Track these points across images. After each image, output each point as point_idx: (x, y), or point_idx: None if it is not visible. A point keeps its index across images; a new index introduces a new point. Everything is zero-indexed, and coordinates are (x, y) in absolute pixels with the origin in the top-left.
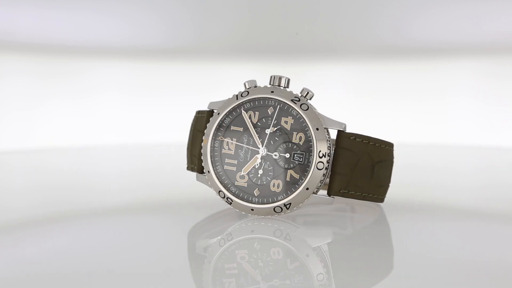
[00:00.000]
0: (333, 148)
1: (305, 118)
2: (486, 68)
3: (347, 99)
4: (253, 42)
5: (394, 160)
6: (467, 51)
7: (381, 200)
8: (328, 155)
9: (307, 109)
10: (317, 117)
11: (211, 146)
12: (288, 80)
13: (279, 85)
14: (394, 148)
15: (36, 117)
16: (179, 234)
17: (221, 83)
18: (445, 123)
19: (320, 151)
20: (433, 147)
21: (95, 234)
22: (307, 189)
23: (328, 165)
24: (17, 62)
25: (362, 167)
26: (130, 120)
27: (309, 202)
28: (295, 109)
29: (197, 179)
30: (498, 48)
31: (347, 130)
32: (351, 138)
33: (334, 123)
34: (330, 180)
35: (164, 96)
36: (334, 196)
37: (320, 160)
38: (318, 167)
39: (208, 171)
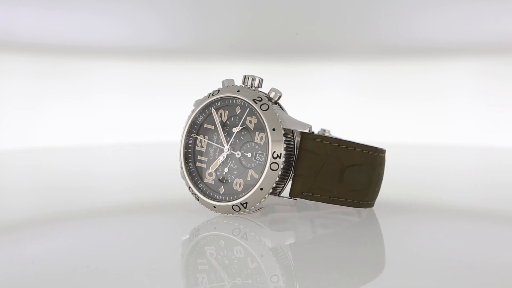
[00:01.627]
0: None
1: (263, 118)
2: (486, 68)
3: (347, 99)
4: (253, 42)
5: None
6: (467, 51)
7: (364, 205)
8: (285, 156)
9: (266, 109)
10: (276, 118)
11: (185, 143)
12: (261, 80)
13: (251, 85)
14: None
15: (36, 117)
16: (179, 234)
17: (221, 83)
18: (445, 123)
19: (274, 151)
20: (433, 147)
21: (94, 233)
22: (261, 189)
23: (284, 166)
24: (17, 62)
25: (328, 170)
26: (130, 120)
27: (268, 203)
28: (255, 109)
29: (180, 175)
30: (498, 48)
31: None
32: (317, 140)
33: (296, 124)
34: (292, 182)
35: (164, 96)
36: (296, 198)
37: (274, 161)
38: (272, 168)
39: (181, 167)
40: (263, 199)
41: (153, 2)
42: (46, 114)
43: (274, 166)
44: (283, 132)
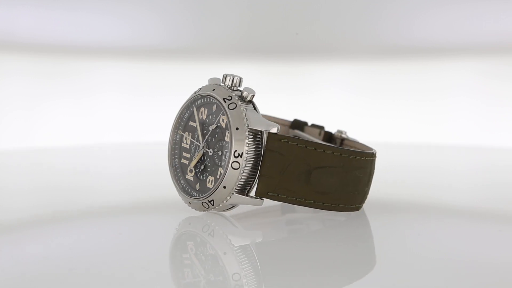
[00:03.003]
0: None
1: (229, 117)
2: (486, 68)
3: (347, 99)
4: (253, 42)
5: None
6: (467, 51)
7: (339, 209)
8: (247, 155)
9: (233, 108)
10: (241, 117)
11: (172, 139)
12: (237, 79)
13: (227, 84)
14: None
15: (36, 117)
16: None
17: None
18: (445, 123)
19: (235, 150)
20: (433, 147)
21: (94, 233)
22: (225, 187)
23: (251, 165)
24: (17, 62)
25: (293, 171)
26: (130, 120)
27: (235, 201)
28: (224, 108)
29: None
30: (498, 48)
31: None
32: (283, 140)
33: (261, 124)
34: (257, 182)
35: (164, 96)
36: (262, 198)
37: (236, 160)
38: (234, 167)
39: (168, 163)
40: (228, 197)
41: (153, 2)
42: (46, 114)
43: (235, 165)
44: (247, 132)
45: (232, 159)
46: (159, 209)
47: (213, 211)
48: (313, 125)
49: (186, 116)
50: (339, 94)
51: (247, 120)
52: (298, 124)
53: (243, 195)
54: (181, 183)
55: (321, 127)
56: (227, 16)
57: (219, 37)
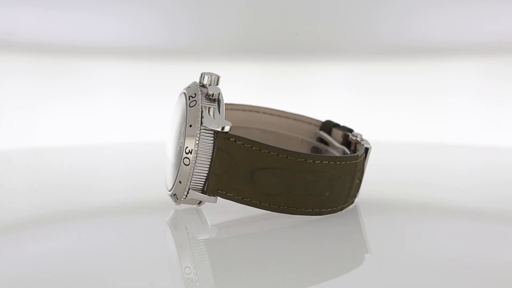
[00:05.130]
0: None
1: (187, 114)
2: (486, 68)
3: (347, 99)
4: (253, 42)
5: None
6: (467, 51)
7: (287, 211)
8: (197, 152)
9: (193, 106)
10: (197, 115)
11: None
12: (216, 78)
13: (204, 84)
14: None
15: (36, 117)
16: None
17: (221, 83)
18: (445, 123)
19: (187, 147)
20: (432, 147)
21: (94, 233)
22: (180, 182)
23: (196, 161)
24: (17, 62)
25: (238, 170)
26: (130, 120)
27: (193, 197)
28: (187, 105)
29: None
30: (498, 48)
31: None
32: (231, 139)
33: (213, 123)
34: (209, 179)
35: (164, 96)
36: (214, 196)
37: (186, 156)
38: (185, 163)
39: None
40: (185, 192)
41: (153, 2)
42: (46, 114)
43: (186, 161)
44: (199, 129)
45: (184, 155)
46: (160, 208)
47: (184, 205)
48: (343, 127)
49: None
50: (339, 94)
51: (201, 118)
52: (326, 126)
53: (201, 192)
54: (167, 178)
55: (348, 130)
56: (227, 16)
57: (219, 37)
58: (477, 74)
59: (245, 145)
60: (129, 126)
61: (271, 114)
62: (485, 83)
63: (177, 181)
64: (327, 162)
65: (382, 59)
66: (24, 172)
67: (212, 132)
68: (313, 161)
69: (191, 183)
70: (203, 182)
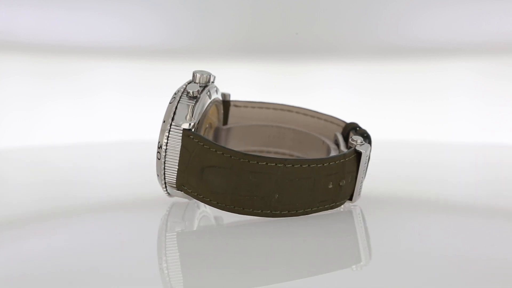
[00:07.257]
0: None
1: (165, 110)
2: (486, 68)
3: (347, 99)
4: (253, 42)
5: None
6: (467, 51)
7: (229, 209)
8: (167, 147)
9: (171, 102)
10: (171, 111)
11: None
12: (207, 76)
13: (195, 82)
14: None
15: (36, 117)
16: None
17: (221, 83)
18: (445, 123)
19: (159, 142)
20: (432, 146)
21: (94, 231)
22: (158, 175)
23: (166, 156)
24: (17, 62)
25: (193, 167)
26: (130, 120)
27: (170, 192)
28: (169, 101)
29: None
30: (498, 48)
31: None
32: (190, 137)
33: (181, 119)
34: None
35: (164, 96)
36: (181, 191)
37: (158, 150)
38: (157, 157)
39: None
40: (164, 187)
41: (153, 2)
42: (46, 114)
43: (158, 155)
44: (169, 125)
45: (157, 149)
46: (160, 207)
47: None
48: (359, 130)
49: None
50: (339, 94)
51: (174, 114)
52: (346, 128)
53: (173, 187)
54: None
55: (361, 133)
56: (227, 16)
57: (219, 37)
58: (477, 74)
59: (199, 143)
60: (129, 126)
61: (304, 114)
62: (485, 83)
63: (156, 174)
64: (273, 164)
65: (382, 59)
66: (24, 171)
67: (181, 129)
68: (257, 162)
69: (166, 178)
70: (175, 177)
